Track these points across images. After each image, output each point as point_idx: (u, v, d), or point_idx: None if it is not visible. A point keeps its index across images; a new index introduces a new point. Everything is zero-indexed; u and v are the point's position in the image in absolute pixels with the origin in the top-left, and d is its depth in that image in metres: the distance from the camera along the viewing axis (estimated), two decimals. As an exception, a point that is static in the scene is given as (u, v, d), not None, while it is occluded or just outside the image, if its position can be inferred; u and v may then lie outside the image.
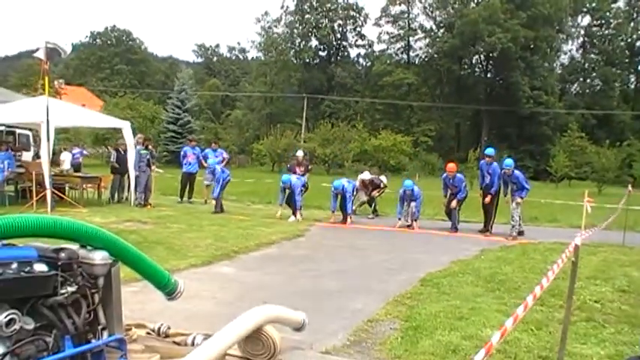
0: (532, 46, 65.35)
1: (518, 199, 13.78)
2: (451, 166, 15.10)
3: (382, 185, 17.52)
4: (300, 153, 18.17)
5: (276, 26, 77.54)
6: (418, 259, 10.35)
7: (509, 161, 14.22)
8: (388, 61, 74.35)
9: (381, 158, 50.46)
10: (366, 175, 17.53)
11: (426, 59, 74.87)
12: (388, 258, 10.40)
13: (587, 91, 73.59)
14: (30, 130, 21.32)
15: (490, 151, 14.81)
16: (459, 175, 15.17)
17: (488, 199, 14.27)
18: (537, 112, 62.82)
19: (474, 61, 73.38)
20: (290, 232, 12.87)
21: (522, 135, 63.09)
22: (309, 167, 18.18)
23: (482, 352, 2.97)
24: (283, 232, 12.64)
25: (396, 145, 51.61)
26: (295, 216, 15.27)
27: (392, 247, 11.71)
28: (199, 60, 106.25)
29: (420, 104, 70.15)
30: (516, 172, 13.97)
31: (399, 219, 15.20)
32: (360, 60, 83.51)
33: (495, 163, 14.36)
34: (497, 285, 7.88)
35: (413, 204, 15.03)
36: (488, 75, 72.27)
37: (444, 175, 15.12)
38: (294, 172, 16.87)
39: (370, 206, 17.45)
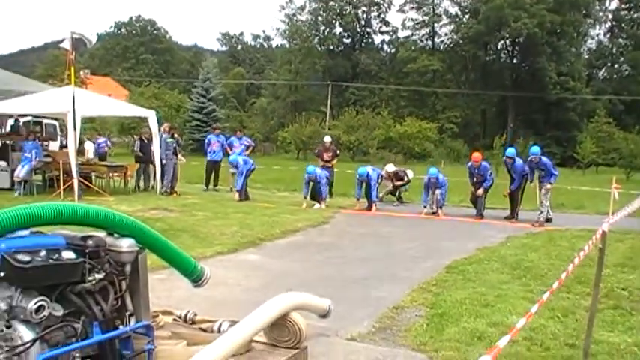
0: (558, 31, 64.18)
1: (548, 186, 13.65)
2: (476, 155, 15.01)
3: (406, 179, 17.43)
4: (327, 139, 18.06)
5: (300, 14, 77.38)
6: (443, 246, 10.32)
7: (535, 149, 14.07)
8: (413, 48, 73.73)
9: (406, 145, 50.22)
10: (390, 168, 17.48)
11: (451, 45, 74.20)
12: (413, 245, 10.39)
13: (615, 76, 72.29)
14: (57, 120, 21.60)
15: (511, 152, 14.81)
16: (484, 163, 15.05)
17: (506, 192, 14.56)
18: (564, 97, 61.85)
19: (499, 47, 72.40)
20: (315, 219, 12.88)
21: (549, 121, 62.24)
22: (337, 153, 18.03)
23: (507, 336, 2.95)
24: (308, 220, 12.65)
25: (422, 132, 51.24)
26: (320, 204, 15.29)
27: (417, 235, 11.67)
28: (224, 48, 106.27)
29: (445, 91, 69.51)
30: (544, 158, 13.87)
31: (424, 207, 15.14)
32: (385, 47, 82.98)
33: (518, 161, 14.35)
34: (523, 272, 7.83)
35: (438, 191, 14.96)
36: (514, 61, 71.27)
37: (470, 164, 15.04)
38: (322, 159, 16.89)
39: (395, 194, 17.41)
